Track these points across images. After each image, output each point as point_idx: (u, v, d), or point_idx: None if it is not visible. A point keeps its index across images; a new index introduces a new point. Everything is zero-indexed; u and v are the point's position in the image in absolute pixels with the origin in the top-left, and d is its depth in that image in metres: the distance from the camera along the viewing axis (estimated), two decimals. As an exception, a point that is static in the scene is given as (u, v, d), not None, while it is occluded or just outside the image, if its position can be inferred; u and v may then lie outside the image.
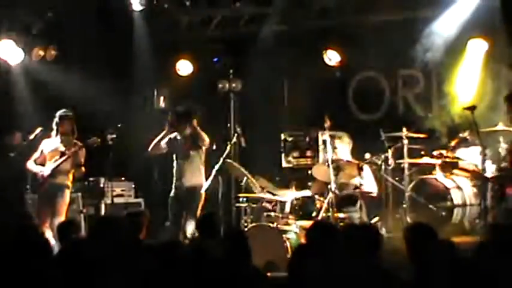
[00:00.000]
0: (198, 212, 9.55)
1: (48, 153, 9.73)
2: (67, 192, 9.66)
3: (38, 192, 9.70)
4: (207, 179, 9.76)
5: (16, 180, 10.92)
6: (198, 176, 9.78)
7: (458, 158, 10.02)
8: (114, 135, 9.98)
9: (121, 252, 5.75)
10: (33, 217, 9.96)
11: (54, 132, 9.80)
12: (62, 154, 9.58)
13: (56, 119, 9.75)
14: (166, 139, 9.90)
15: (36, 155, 9.79)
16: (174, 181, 9.87)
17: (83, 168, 9.76)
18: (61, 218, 9.33)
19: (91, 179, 11.26)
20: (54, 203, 9.52)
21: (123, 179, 11.68)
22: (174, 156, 9.91)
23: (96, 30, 11.83)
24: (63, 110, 9.82)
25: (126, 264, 5.52)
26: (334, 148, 9.87)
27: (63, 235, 6.76)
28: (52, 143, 9.78)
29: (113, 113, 11.12)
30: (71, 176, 9.72)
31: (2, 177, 11.06)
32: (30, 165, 9.75)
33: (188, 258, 5.30)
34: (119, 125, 10.12)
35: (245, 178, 9.70)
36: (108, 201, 10.89)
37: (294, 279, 5.13)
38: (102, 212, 10.93)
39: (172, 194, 9.85)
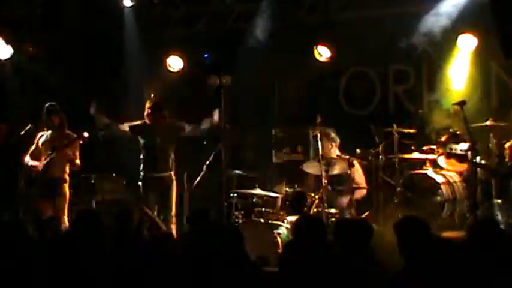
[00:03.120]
0: (173, 200, 9.62)
1: (42, 146, 9.72)
2: (65, 186, 9.62)
3: (37, 187, 9.65)
4: (197, 174, 9.75)
5: (7, 176, 10.88)
6: (166, 165, 9.78)
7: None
8: (104, 132, 9.93)
9: (104, 246, 5.74)
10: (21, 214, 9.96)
11: (46, 126, 9.77)
12: (54, 147, 9.56)
13: (44, 112, 9.71)
14: (134, 123, 9.90)
15: (32, 148, 9.77)
16: (141, 170, 9.86)
17: (78, 161, 9.71)
18: (64, 212, 9.31)
19: (82, 175, 11.23)
20: (54, 198, 9.49)
21: (113, 175, 11.65)
22: (142, 143, 9.87)
23: (86, 26, 11.81)
24: (50, 103, 9.76)
25: (115, 258, 5.52)
26: (323, 144, 9.88)
27: (45, 230, 6.76)
28: (45, 136, 9.75)
29: (103, 109, 11.07)
30: (67, 169, 9.68)
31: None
32: (26, 159, 9.73)
33: (180, 251, 5.30)
34: (109, 121, 10.06)
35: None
36: (99, 198, 10.84)
37: (284, 273, 5.13)
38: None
39: (141, 183, 9.85)
